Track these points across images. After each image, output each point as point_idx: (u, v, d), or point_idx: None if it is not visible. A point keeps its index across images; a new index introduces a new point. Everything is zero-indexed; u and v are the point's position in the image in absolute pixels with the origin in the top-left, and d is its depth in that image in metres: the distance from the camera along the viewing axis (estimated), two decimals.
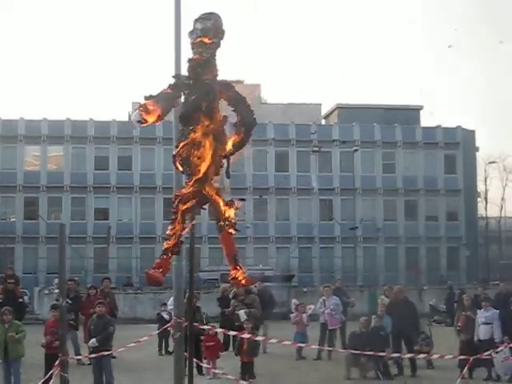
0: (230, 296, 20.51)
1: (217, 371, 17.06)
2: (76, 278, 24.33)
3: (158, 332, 19.01)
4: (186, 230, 8.90)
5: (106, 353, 15.76)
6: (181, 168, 8.83)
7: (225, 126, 8.88)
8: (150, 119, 8.71)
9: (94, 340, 15.83)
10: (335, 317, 23.40)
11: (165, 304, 25.70)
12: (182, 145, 8.72)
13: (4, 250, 65.54)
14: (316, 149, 67.35)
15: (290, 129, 70.65)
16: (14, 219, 68.38)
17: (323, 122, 78.07)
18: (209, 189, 8.83)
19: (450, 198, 71.81)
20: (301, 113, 71.88)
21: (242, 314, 19.19)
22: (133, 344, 13.95)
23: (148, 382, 17.50)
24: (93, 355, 15.42)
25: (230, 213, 8.89)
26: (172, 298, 23.11)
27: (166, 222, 9.31)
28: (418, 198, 71.71)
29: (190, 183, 8.71)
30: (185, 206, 8.72)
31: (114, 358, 21.83)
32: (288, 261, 66.91)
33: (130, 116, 67.32)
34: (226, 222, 8.85)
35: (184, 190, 8.79)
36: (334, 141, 70.95)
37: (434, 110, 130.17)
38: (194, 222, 9.12)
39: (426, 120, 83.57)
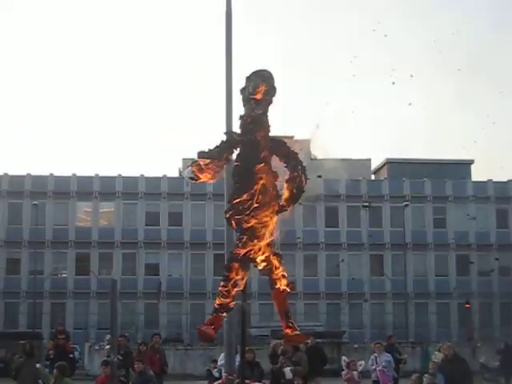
0: (279, 353, 20.32)
1: None
2: (126, 334, 24.32)
3: None
4: (239, 287, 8.90)
5: None
6: (233, 225, 8.85)
7: (277, 182, 8.91)
8: (203, 176, 8.79)
9: None
10: (387, 374, 23.04)
11: (215, 361, 25.56)
12: (234, 202, 8.75)
13: (55, 306, 66.14)
14: (366, 204, 67.15)
15: (340, 184, 70.59)
16: (65, 275, 68.99)
17: (373, 177, 77.93)
18: (263, 247, 8.83)
19: (502, 253, 70.76)
20: (351, 168, 71.82)
21: (288, 371, 19.00)
22: None
23: None
24: None
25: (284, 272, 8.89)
26: (223, 354, 23.08)
27: (216, 277, 9.36)
28: (470, 252, 70.81)
29: (243, 240, 8.72)
30: (237, 264, 8.73)
31: None
32: (338, 317, 66.42)
33: (180, 172, 68.09)
34: (283, 282, 8.83)
35: (238, 249, 8.80)
36: (383, 196, 70.71)
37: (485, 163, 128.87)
38: (246, 279, 9.12)
39: (477, 174, 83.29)
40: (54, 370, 16.93)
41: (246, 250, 8.69)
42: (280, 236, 9.06)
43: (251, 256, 8.77)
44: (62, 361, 22.26)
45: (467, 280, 70.31)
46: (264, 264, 8.87)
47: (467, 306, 64.36)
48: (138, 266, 68.65)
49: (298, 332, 9.03)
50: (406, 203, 66.01)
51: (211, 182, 9.05)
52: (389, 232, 70.13)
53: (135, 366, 16.76)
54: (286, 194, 8.91)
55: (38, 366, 20.17)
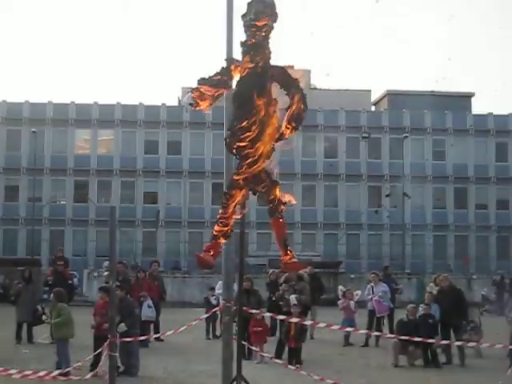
0: (281, 281, 20.44)
1: (265, 355, 17.05)
2: (125, 261, 24.49)
3: (206, 316, 19.02)
4: (238, 215, 8.88)
5: (141, 338, 15.84)
6: (233, 151, 8.79)
7: (276, 109, 8.82)
8: (202, 103, 8.70)
9: (122, 325, 15.80)
10: (383, 304, 23.25)
11: (212, 288, 25.76)
12: (234, 128, 8.69)
13: (54, 233, 66.49)
14: (365, 135, 67.00)
15: (340, 115, 70.35)
16: (64, 202, 69.18)
17: (373, 108, 77.61)
18: (261, 173, 8.79)
19: (500, 187, 70.91)
20: (350, 99, 71.48)
21: (293, 299, 19.14)
22: (183, 328, 13.97)
23: (195, 366, 17.56)
24: (127, 339, 15.37)
25: (282, 197, 8.84)
26: (220, 283, 23.23)
27: (215, 206, 9.35)
28: (468, 185, 70.94)
29: (242, 167, 8.68)
30: (237, 191, 8.70)
31: (162, 341, 22.04)
32: (336, 247, 66.85)
33: (179, 101, 67.74)
34: (279, 207, 8.81)
35: (236, 176, 8.77)
36: (383, 127, 70.53)
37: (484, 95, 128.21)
38: (246, 207, 9.09)
39: (478, 107, 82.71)
40: (51, 296, 17.04)
41: (245, 177, 8.66)
42: (279, 165, 9.01)
43: (250, 183, 8.74)
44: (60, 287, 22.48)
45: (465, 213, 70.58)
46: (263, 191, 8.84)
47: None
48: (136, 194, 68.82)
49: (295, 260, 9.05)
50: (405, 135, 65.87)
51: (208, 109, 8.95)
52: (387, 164, 70.11)
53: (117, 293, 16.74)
54: (285, 121, 8.83)
55: None
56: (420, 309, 20.05)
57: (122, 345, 15.38)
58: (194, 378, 15.77)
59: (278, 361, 16.02)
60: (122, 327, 15.78)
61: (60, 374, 12.43)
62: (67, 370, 13.53)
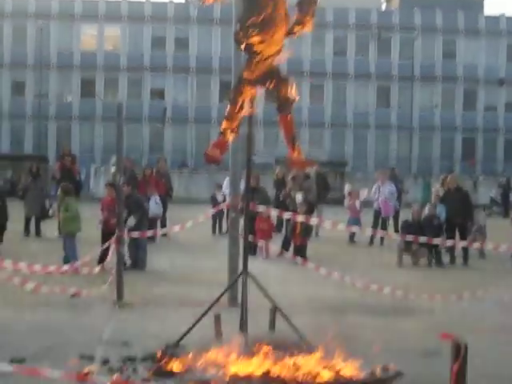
0: (288, 178, 20.44)
1: (271, 246, 17.23)
2: (132, 158, 24.49)
3: (213, 213, 19.16)
4: (246, 112, 8.80)
5: (148, 233, 15.97)
6: (243, 47, 8.65)
7: (287, 5, 8.64)
8: None
9: (131, 219, 15.92)
10: (389, 204, 23.33)
11: (219, 186, 25.87)
12: (244, 24, 8.52)
13: (61, 129, 66.45)
14: (376, 34, 66.09)
15: (350, 13, 69.26)
16: (70, 99, 68.88)
17: (384, 6, 76.34)
18: (271, 69, 8.67)
19: (510, 89, 70.22)
20: None
21: (299, 197, 19.20)
22: (190, 223, 14.08)
23: (202, 262, 17.76)
24: (135, 235, 15.53)
25: (291, 94, 8.74)
26: (227, 180, 23.31)
27: (222, 104, 9.23)
28: (478, 87, 70.29)
29: (252, 64, 8.55)
30: (246, 88, 8.61)
31: (167, 237, 22.22)
32: (343, 147, 66.80)
33: None
34: (287, 103, 8.72)
35: (245, 72, 8.65)
36: (394, 26, 69.49)
37: None
38: (254, 104, 9.00)
39: (490, 8, 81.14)
40: (59, 191, 17.11)
41: (254, 74, 8.54)
42: (287, 63, 8.89)
43: (260, 80, 8.63)
44: (68, 183, 22.59)
45: (473, 115, 70.13)
46: (272, 88, 8.73)
47: None
48: (143, 90, 68.38)
49: (303, 157, 9.02)
50: (416, 34, 64.91)
51: (219, 1, 8.78)
52: (397, 63, 69.32)
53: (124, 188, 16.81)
54: (296, 16, 8.66)
55: None
56: (426, 209, 20.17)
57: (130, 239, 15.59)
58: (201, 273, 15.96)
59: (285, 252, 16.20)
60: (131, 221, 15.91)
61: (68, 269, 12.58)
62: (75, 264, 13.71)
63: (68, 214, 15.83)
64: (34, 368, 7.62)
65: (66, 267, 12.90)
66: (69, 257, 15.46)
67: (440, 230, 18.56)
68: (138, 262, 16.13)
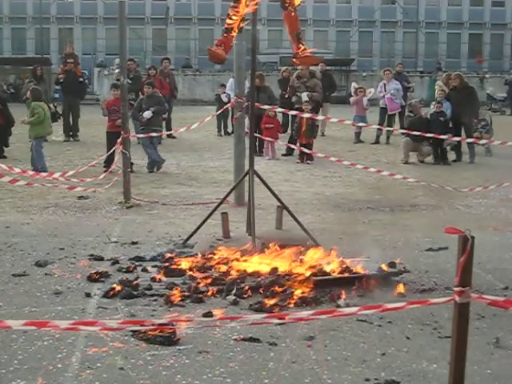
0: (293, 77, 20.25)
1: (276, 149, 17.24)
2: (135, 59, 24.24)
3: (218, 113, 19.08)
4: (249, 8, 8.67)
5: (155, 134, 15.95)
6: None
7: None
8: None
9: (148, 112, 15.91)
10: (395, 101, 23.22)
11: (223, 85, 25.71)
12: None
13: (63, 31, 65.67)
14: None
15: None
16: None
17: None
18: None
19: None
20: None
21: (304, 95, 19.06)
22: (195, 125, 14.04)
23: (208, 161, 17.81)
24: (142, 135, 15.59)
25: None
26: (231, 80, 23.14)
27: (226, 3, 9.08)
28: None
29: None
30: None
31: (174, 138, 22.26)
32: (348, 45, 66.03)
33: None
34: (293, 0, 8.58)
35: None
36: None
37: None
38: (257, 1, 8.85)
39: None
40: (28, 93, 17.06)
41: None
42: None
43: None
44: (72, 85, 22.49)
45: (480, 10, 68.99)
46: None
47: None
48: None
49: (308, 53, 8.92)
50: None
51: None
52: None
53: (145, 89, 16.79)
54: None
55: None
56: (431, 106, 20.06)
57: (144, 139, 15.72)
58: (207, 173, 16.02)
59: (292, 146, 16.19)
60: (148, 113, 15.90)
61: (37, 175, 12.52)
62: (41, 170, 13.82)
63: (34, 118, 15.74)
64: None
65: (43, 174, 12.85)
66: (36, 160, 15.41)
67: (446, 127, 18.45)
68: (157, 160, 16.15)
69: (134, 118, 16.31)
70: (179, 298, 6.98)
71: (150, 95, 16.28)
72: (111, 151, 14.10)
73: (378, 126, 20.50)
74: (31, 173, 12.66)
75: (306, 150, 16.63)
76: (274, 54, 52.60)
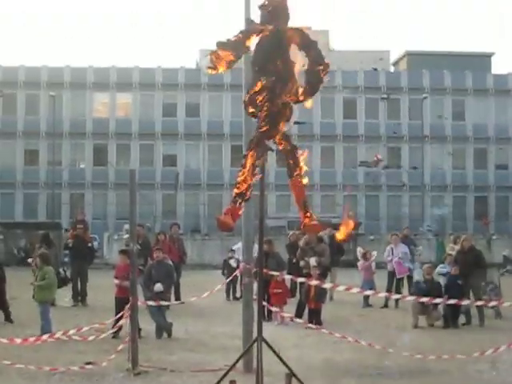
0: (301, 243, 20.45)
1: (285, 315, 17.14)
2: (148, 224, 24.59)
3: (228, 280, 19.16)
4: (257, 177, 8.89)
5: (164, 303, 15.97)
6: (253, 113, 8.78)
7: (296, 71, 8.79)
8: (221, 66, 8.70)
9: (159, 285, 15.96)
10: (403, 265, 23.28)
11: (232, 250, 25.87)
12: (253, 91, 8.67)
13: (74, 196, 66.81)
14: (385, 96, 66.62)
15: (359, 75, 69.93)
16: (83, 166, 69.41)
17: (392, 68, 77.12)
18: (279, 135, 8.79)
19: None
20: (369, 60, 71.01)
21: (313, 261, 19.18)
22: (206, 294, 14.09)
23: (216, 327, 17.69)
24: (152, 303, 15.55)
25: (303, 160, 8.86)
26: (240, 244, 23.30)
27: (234, 169, 9.37)
28: (488, 146, 70.52)
29: (262, 129, 8.67)
30: (256, 153, 8.70)
31: (183, 303, 22.19)
32: (355, 208, 66.84)
33: (197, 63, 67.50)
34: (299, 169, 8.82)
35: (255, 138, 8.77)
36: (402, 88, 70.06)
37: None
38: (265, 169, 9.09)
39: (498, 67, 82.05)
40: (37, 259, 17.16)
41: (264, 138, 8.65)
42: (298, 126, 9.00)
43: (269, 144, 8.76)
44: (81, 250, 22.66)
45: (484, 173, 70.22)
46: (283, 153, 8.85)
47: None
48: (155, 157, 68.93)
49: (315, 221, 9.07)
50: (424, 95, 65.45)
51: (225, 70, 8.95)
52: (407, 124, 69.75)
53: (154, 254, 16.91)
54: (304, 84, 8.80)
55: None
56: (440, 269, 20.14)
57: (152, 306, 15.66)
58: (215, 340, 15.89)
59: (298, 320, 16.13)
60: (159, 287, 15.94)
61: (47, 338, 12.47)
62: (49, 334, 13.71)
63: (44, 282, 15.78)
64: None
65: (45, 337, 12.83)
66: (44, 325, 15.36)
67: (464, 290, 18.39)
68: (166, 327, 16.07)
69: (144, 286, 16.33)
70: None
71: (161, 261, 16.37)
72: (119, 316, 14.07)
73: (386, 294, 20.48)
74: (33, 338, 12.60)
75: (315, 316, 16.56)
76: (281, 218, 53.17)
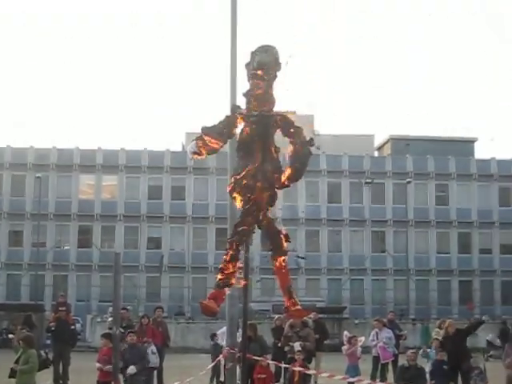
0: (285, 328, 20.36)
1: None
2: (129, 307, 24.43)
3: (210, 366, 18.96)
4: (241, 262, 8.92)
5: None
6: (238, 197, 8.85)
7: (279, 157, 8.91)
8: (206, 151, 8.81)
9: (133, 367, 15.79)
10: (388, 350, 23.11)
11: (214, 334, 25.62)
12: (238, 177, 8.76)
13: (58, 278, 66.37)
14: (369, 180, 67.13)
15: (343, 160, 70.54)
16: (68, 247, 69.14)
17: (376, 153, 77.88)
18: (264, 220, 8.85)
19: (504, 231, 70.74)
20: (353, 144, 71.74)
21: (297, 345, 19.05)
22: (190, 379, 13.96)
23: None
24: None
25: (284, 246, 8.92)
26: (224, 328, 23.14)
27: (219, 252, 9.41)
28: (472, 230, 70.86)
29: (245, 215, 8.73)
30: (239, 239, 8.74)
31: None
32: (340, 292, 66.69)
33: (183, 146, 68.00)
34: (282, 254, 8.87)
35: (239, 224, 8.81)
36: (386, 172, 70.65)
37: (492, 137, 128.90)
38: (248, 254, 9.13)
39: (481, 152, 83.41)
40: (20, 342, 16.92)
41: (248, 225, 8.71)
42: (281, 211, 9.09)
43: (252, 231, 8.80)
44: (63, 333, 22.43)
45: (469, 258, 70.38)
46: (267, 239, 8.90)
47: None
48: (140, 239, 68.79)
49: (299, 307, 9.07)
50: (408, 180, 66.03)
51: (205, 156, 9.04)
52: (391, 209, 70.12)
53: (128, 337, 16.65)
54: (288, 170, 8.89)
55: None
56: (421, 351, 20.04)
57: None
58: None
59: None
60: (132, 369, 15.75)
61: None
62: None
63: (27, 366, 15.56)
64: None
65: None
66: None
67: (449, 376, 18.26)
68: None
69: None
70: None
71: (134, 345, 16.14)
72: None
73: (370, 382, 20.29)
74: None
75: None
76: (266, 302, 52.91)
